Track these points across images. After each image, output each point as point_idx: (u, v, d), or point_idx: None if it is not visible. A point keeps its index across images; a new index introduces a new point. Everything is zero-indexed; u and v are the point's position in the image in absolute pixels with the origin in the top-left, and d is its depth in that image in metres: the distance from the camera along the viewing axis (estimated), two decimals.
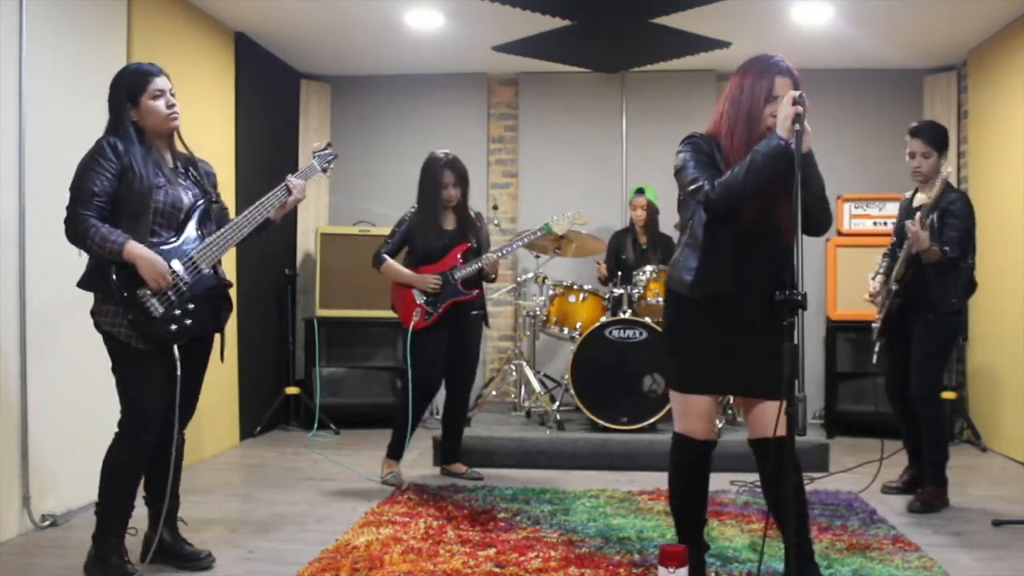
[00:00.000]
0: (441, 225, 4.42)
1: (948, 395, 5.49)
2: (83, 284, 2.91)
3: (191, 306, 2.92)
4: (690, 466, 2.83)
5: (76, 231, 2.79)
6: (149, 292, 2.82)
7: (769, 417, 2.65)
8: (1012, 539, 3.50)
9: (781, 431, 2.52)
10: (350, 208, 6.64)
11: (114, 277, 2.80)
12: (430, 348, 4.38)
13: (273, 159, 6.07)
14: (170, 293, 2.87)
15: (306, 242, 6.54)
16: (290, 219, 6.44)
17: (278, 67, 6.26)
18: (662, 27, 5.08)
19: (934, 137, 3.97)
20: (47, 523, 3.59)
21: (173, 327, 2.87)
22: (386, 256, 4.43)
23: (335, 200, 6.72)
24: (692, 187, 2.65)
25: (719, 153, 2.69)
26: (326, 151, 3.46)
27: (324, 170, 3.41)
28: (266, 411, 5.89)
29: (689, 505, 2.86)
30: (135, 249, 2.78)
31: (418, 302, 4.36)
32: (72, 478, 3.67)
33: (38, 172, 3.58)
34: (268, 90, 6.06)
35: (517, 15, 4.93)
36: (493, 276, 4.52)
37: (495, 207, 6.31)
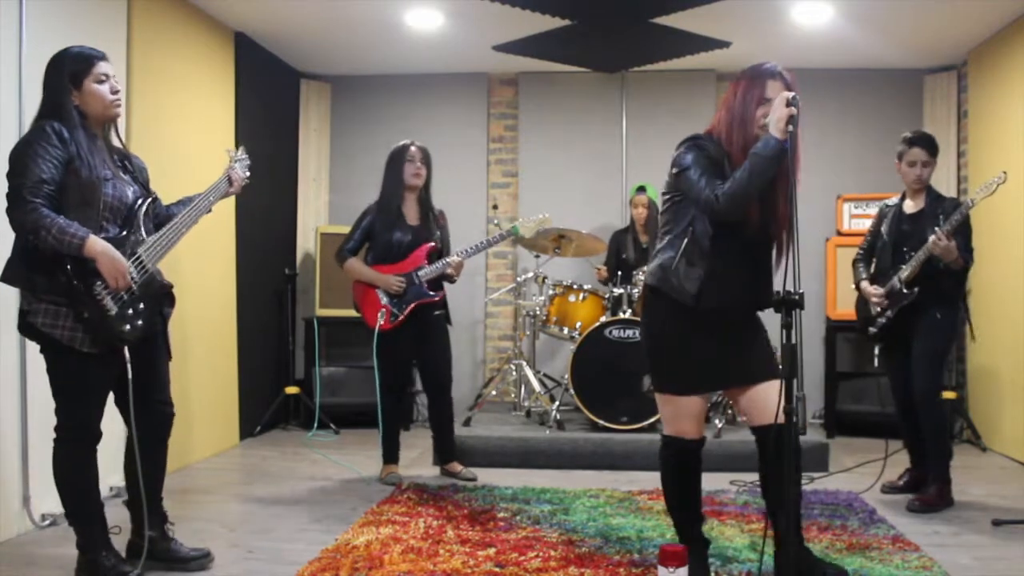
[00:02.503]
0: (404, 219, 4.40)
1: (948, 395, 5.49)
2: (9, 279, 2.75)
3: (141, 306, 2.82)
4: (683, 465, 2.87)
5: (27, 220, 2.61)
6: (105, 289, 2.72)
7: (766, 400, 2.70)
8: (1012, 539, 3.50)
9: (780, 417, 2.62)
10: (350, 207, 6.59)
11: (71, 271, 2.67)
12: (396, 349, 4.38)
13: (273, 159, 6.08)
14: (122, 291, 2.77)
15: (306, 242, 6.54)
16: (290, 219, 6.47)
17: (278, 67, 6.27)
18: (662, 27, 5.08)
19: (934, 146, 4.11)
20: (47, 523, 3.59)
21: (126, 327, 2.77)
22: (349, 253, 4.42)
23: (335, 200, 6.72)
24: (698, 197, 2.66)
25: (727, 157, 2.72)
26: (244, 157, 3.28)
27: (246, 176, 3.25)
28: (266, 411, 5.89)
29: (685, 503, 2.89)
30: (97, 245, 2.67)
31: (383, 303, 4.35)
32: None
33: None
34: (268, 90, 6.06)
35: (517, 15, 4.93)
36: (455, 278, 4.50)
37: (495, 207, 6.31)
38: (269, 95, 6.09)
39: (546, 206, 6.37)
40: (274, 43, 5.92)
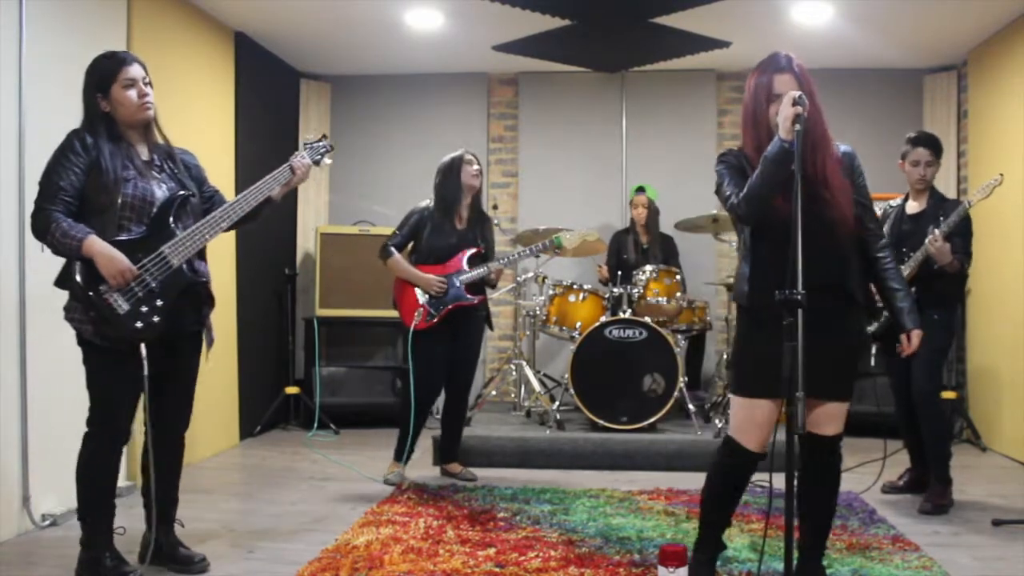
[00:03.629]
0: (454, 223, 4.42)
1: (948, 395, 5.49)
2: (59, 283, 2.83)
3: (159, 303, 2.81)
4: (734, 474, 2.79)
5: (39, 225, 2.72)
6: (112, 288, 2.74)
7: (825, 415, 2.73)
8: (1012, 539, 3.50)
9: (835, 430, 2.77)
10: (350, 207, 6.65)
11: (77, 274, 2.72)
12: (431, 349, 4.36)
13: (273, 159, 6.00)
14: (136, 289, 2.77)
15: (306, 241, 6.54)
16: (290, 218, 6.47)
17: (278, 66, 6.26)
18: (662, 27, 5.08)
19: (938, 146, 4.12)
20: (47, 523, 3.59)
21: (139, 324, 2.77)
22: (394, 250, 4.41)
23: (335, 199, 6.72)
24: (727, 203, 2.68)
25: (747, 163, 2.70)
26: (319, 143, 3.31)
27: (316, 162, 3.25)
28: (266, 411, 5.89)
29: (720, 507, 2.85)
30: (95, 245, 2.70)
31: (421, 302, 4.35)
32: (72, 478, 3.62)
33: (38, 174, 3.53)
34: (268, 89, 6.06)
35: (517, 15, 4.94)
36: (495, 282, 4.52)
37: (495, 206, 6.31)
38: (269, 95, 6.08)
39: (546, 206, 6.40)
40: (274, 43, 5.92)
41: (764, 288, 2.63)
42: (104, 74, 2.84)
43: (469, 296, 4.38)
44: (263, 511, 3.95)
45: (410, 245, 4.46)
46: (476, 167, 4.43)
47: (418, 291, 4.36)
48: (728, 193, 2.68)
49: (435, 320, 4.33)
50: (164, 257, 2.83)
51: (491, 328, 4.62)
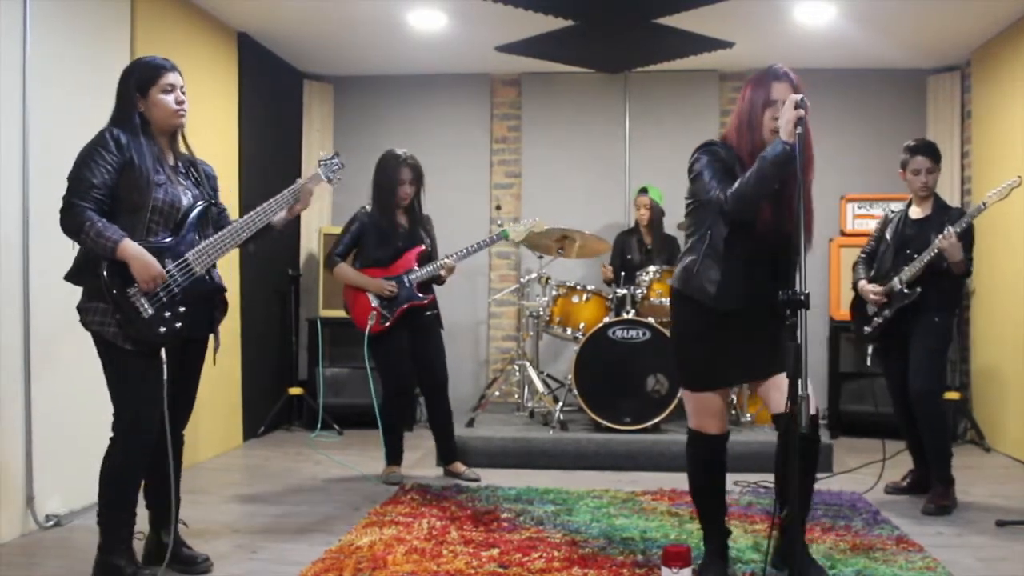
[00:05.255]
0: (396, 224, 4.42)
1: (952, 395, 5.49)
2: (71, 277, 2.86)
3: (182, 308, 2.86)
4: (706, 459, 2.94)
5: (72, 222, 2.73)
6: (139, 291, 2.77)
7: (782, 389, 2.71)
8: (1016, 540, 3.50)
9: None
10: (352, 208, 6.57)
11: (105, 274, 2.74)
12: (392, 350, 4.40)
13: (276, 159, 6.08)
14: (161, 294, 2.81)
15: (309, 242, 6.55)
16: (293, 219, 6.44)
17: (281, 67, 6.27)
18: (665, 27, 5.08)
19: (936, 153, 4.13)
20: (51, 523, 3.60)
21: (162, 329, 2.81)
22: (339, 258, 4.43)
23: (338, 200, 6.72)
24: (708, 196, 2.72)
25: (738, 162, 2.75)
26: (333, 160, 3.40)
27: (329, 179, 3.35)
28: (269, 412, 5.90)
29: (708, 495, 2.98)
30: (130, 248, 2.73)
31: (373, 305, 4.36)
32: (76, 478, 3.67)
33: (41, 175, 3.58)
34: (271, 90, 6.07)
35: (520, 15, 4.94)
36: (444, 279, 4.53)
37: (498, 207, 6.31)
38: (272, 96, 6.09)
39: (549, 206, 6.40)
40: (277, 44, 5.92)
41: (732, 290, 2.74)
42: (145, 76, 2.90)
43: (420, 296, 4.39)
44: (266, 511, 3.95)
45: (354, 251, 4.49)
46: (407, 189, 4.38)
47: (369, 294, 4.37)
48: (712, 187, 2.71)
49: (389, 322, 4.34)
50: (188, 264, 2.89)
51: (441, 327, 4.60)
